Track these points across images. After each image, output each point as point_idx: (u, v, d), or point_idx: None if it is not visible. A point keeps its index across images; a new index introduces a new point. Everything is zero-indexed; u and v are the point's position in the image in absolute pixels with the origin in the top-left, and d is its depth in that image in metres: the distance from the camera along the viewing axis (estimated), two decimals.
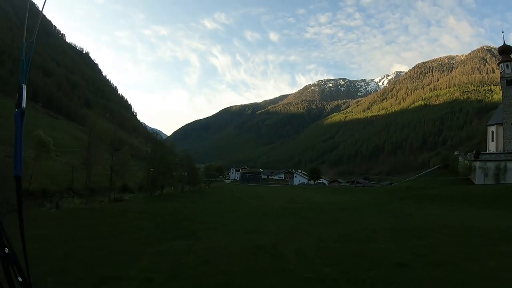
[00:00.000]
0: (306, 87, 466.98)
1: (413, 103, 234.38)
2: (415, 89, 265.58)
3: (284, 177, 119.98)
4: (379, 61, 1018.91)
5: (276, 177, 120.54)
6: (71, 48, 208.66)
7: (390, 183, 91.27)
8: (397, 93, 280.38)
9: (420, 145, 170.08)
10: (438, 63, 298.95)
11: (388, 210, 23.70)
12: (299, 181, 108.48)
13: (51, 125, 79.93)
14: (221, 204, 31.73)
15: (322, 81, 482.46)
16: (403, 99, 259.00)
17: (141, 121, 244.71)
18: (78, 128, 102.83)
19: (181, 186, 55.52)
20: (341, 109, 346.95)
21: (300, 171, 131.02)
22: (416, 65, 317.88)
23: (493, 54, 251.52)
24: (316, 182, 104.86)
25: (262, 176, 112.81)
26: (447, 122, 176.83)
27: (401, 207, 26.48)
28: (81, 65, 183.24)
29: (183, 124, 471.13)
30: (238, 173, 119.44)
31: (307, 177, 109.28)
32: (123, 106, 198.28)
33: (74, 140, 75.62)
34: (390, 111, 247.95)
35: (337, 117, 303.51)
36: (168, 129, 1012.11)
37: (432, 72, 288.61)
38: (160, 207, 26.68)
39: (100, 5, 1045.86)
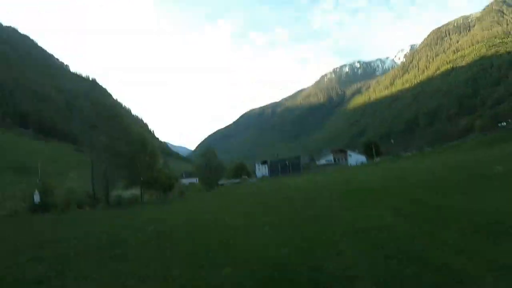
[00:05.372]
0: (323, 77, 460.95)
1: (439, 69, 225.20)
2: (437, 55, 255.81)
3: (334, 160, 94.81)
4: (391, 38, 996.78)
5: (323, 162, 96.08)
6: (76, 76, 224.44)
7: None
8: (418, 63, 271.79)
9: (457, 110, 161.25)
10: (454, 25, 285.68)
11: None
12: (357, 160, 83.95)
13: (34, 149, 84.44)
14: None
15: (337, 68, 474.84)
16: (427, 68, 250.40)
17: (162, 140, 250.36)
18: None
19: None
20: (362, 91, 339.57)
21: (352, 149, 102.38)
22: (431, 32, 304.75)
23: (509, 5, 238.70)
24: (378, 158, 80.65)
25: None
26: (480, 81, 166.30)
27: None
28: (87, 91, 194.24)
29: (205, 135, 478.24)
30: (265, 166, 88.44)
31: (364, 155, 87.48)
32: (139, 127, 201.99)
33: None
34: (415, 82, 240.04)
35: (360, 99, 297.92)
36: (191, 144, 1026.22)
37: (449, 35, 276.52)
38: None
39: None
